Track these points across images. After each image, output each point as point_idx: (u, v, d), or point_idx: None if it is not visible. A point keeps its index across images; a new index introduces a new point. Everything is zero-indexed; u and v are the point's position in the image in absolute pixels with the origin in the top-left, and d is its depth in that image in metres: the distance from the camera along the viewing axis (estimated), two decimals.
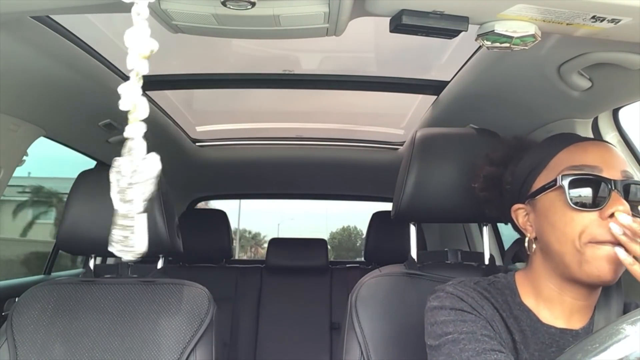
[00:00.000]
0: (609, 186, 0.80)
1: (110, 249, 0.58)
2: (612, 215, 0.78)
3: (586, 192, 0.81)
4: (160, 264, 1.35)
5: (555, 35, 0.96)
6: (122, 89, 0.56)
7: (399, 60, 1.69)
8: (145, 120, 0.57)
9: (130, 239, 0.57)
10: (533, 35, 0.79)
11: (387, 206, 1.34)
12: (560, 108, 1.27)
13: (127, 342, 1.21)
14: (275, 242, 2.87)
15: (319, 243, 2.82)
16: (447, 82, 1.66)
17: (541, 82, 1.18)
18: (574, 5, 0.72)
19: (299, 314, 2.61)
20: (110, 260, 2.16)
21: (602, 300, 0.88)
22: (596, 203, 0.80)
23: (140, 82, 0.57)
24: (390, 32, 0.80)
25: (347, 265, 2.93)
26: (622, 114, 1.32)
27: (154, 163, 0.57)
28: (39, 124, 1.54)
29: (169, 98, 1.97)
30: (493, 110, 1.48)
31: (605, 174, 0.81)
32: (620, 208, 0.78)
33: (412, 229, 1.21)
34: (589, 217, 0.80)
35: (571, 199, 0.81)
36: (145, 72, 0.56)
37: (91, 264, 1.35)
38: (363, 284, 1.15)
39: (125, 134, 0.57)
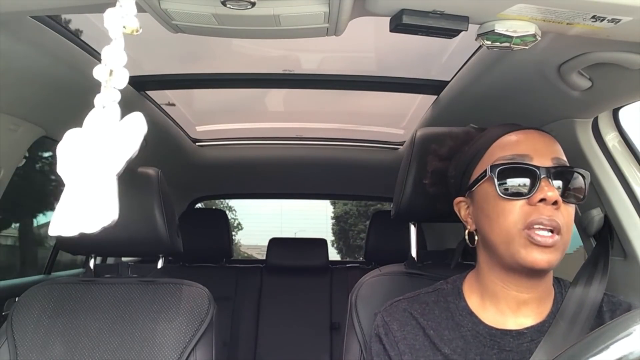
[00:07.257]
0: (538, 173, 0.80)
1: (61, 229, 0.51)
2: (541, 201, 0.79)
3: (515, 181, 0.82)
4: (160, 264, 1.35)
5: (555, 35, 0.95)
6: (105, 52, 0.54)
7: (399, 60, 1.69)
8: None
9: (96, 207, 0.52)
10: (533, 35, 0.79)
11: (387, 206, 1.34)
12: (560, 108, 1.27)
13: (127, 342, 1.21)
14: (276, 242, 2.87)
15: (319, 243, 2.82)
16: (447, 82, 1.66)
17: (541, 82, 1.18)
18: (574, 4, 0.72)
19: (299, 314, 2.61)
20: (110, 260, 2.16)
21: (574, 295, 0.86)
22: (526, 191, 0.80)
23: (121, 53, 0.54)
24: (390, 32, 0.80)
25: (347, 265, 2.93)
26: (622, 114, 1.32)
27: (139, 122, 0.54)
28: (39, 124, 1.53)
29: (169, 98, 1.97)
30: (493, 110, 1.48)
31: (535, 162, 0.82)
32: (549, 194, 0.78)
33: (412, 229, 1.21)
34: (520, 206, 0.80)
35: (500, 189, 0.82)
36: (123, 58, 0.54)
37: (91, 263, 1.35)
38: (363, 283, 1.15)
39: (96, 101, 0.55)
